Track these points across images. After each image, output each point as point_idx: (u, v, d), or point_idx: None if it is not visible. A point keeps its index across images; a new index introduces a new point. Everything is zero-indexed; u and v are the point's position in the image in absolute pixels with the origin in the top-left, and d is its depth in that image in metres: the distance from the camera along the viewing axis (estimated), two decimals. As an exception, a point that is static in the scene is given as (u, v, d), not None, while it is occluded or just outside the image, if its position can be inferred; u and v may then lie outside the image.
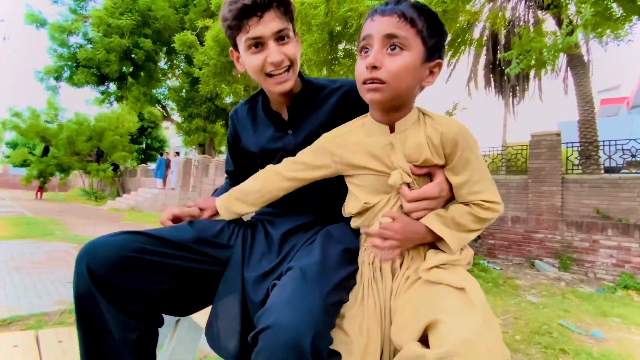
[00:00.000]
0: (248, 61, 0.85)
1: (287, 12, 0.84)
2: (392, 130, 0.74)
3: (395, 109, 0.72)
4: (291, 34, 0.86)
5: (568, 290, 4.14)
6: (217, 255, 0.81)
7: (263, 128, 0.96)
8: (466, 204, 0.71)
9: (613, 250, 4.99)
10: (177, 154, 14.41)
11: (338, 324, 0.64)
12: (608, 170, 6.44)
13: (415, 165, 0.71)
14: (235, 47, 0.89)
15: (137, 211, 12.13)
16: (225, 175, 1.16)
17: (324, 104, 0.92)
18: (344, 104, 0.90)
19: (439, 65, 0.72)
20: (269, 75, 0.85)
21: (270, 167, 0.88)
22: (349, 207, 0.79)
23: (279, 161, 0.90)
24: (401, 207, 0.72)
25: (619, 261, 4.94)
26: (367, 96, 0.70)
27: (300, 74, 0.94)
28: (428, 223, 0.69)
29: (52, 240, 5.60)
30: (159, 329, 0.83)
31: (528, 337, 2.55)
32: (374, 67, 0.67)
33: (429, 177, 0.73)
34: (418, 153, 0.71)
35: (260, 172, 0.89)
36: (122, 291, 0.67)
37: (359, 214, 0.78)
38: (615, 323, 3.04)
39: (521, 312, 3.15)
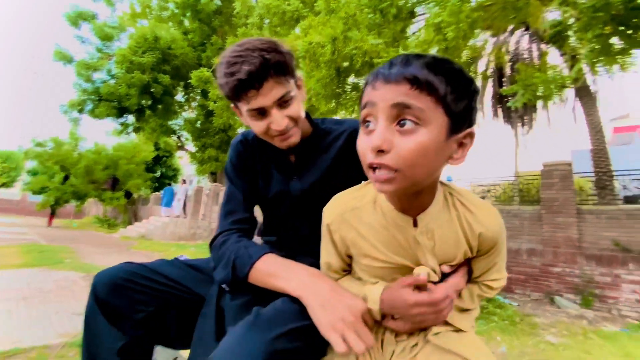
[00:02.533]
0: (252, 124, 0.85)
1: (287, 73, 0.80)
2: (414, 222, 0.60)
3: (415, 195, 0.57)
4: (293, 92, 0.83)
5: (590, 330, 3.89)
6: (197, 291, 0.88)
7: (269, 168, 0.95)
8: (474, 281, 0.66)
9: (636, 285, 4.72)
10: (184, 181, 14.67)
11: None
12: (626, 200, 6.24)
13: (448, 265, 0.62)
14: (236, 106, 0.86)
15: (147, 240, 12.21)
16: (232, 223, 0.91)
17: (330, 148, 0.92)
18: (349, 148, 0.87)
19: (471, 136, 0.54)
20: (275, 135, 0.84)
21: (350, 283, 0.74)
22: (363, 294, 0.66)
23: (283, 207, 0.92)
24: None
25: (644, 298, 4.65)
26: (376, 186, 0.53)
27: (308, 116, 0.94)
28: (452, 321, 0.63)
29: (61, 269, 5.65)
30: None
31: (547, 382, 2.37)
32: (381, 151, 0.50)
33: None
34: (451, 254, 0.61)
35: None
36: (115, 308, 0.80)
37: None
38: (643, 368, 2.81)
39: (539, 354, 2.96)
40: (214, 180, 15.01)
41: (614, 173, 6.34)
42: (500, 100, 9.35)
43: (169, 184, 16.79)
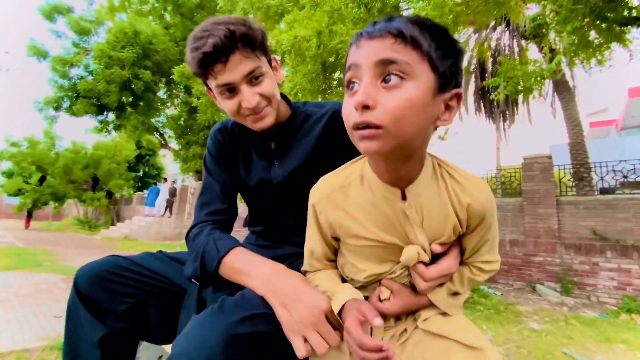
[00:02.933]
0: (223, 105, 0.81)
1: (255, 47, 0.77)
2: (402, 195, 0.57)
3: (402, 160, 0.54)
4: (265, 68, 0.79)
5: (571, 316, 4.03)
6: (179, 283, 0.86)
7: (250, 156, 0.92)
8: (465, 263, 0.64)
9: (614, 272, 4.92)
10: (165, 180, 14.38)
11: None
12: (602, 191, 6.49)
13: (439, 244, 0.60)
14: (209, 88, 0.83)
15: (131, 240, 11.92)
16: (207, 215, 0.87)
17: (311, 132, 0.89)
18: (331, 130, 0.87)
19: (458, 97, 0.52)
20: (247, 115, 0.81)
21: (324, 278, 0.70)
22: (348, 273, 0.66)
23: (266, 195, 0.90)
24: (409, 276, 0.62)
25: (620, 284, 4.86)
26: (360, 146, 0.50)
27: (287, 100, 0.92)
28: (435, 300, 0.61)
29: (40, 272, 5.45)
30: None
31: (532, 367, 2.45)
32: (365, 107, 0.48)
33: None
34: (441, 229, 0.58)
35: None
36: (96, 300, 0.78)
37: (362, 287, 0.65)
38: (620, 349, 2.94)
39: (524, 341, 3.05)
40: (199, 179, 14.77)
41: (591, 165, 6.58)
42: (482, 95, 9.55)
43: (154, 184, 16.42)
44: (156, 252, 0.92)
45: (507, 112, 9.76)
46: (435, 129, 0.54)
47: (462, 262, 0.64)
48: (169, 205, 13.55)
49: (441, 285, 0.62)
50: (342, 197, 0.62)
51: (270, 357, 0.61)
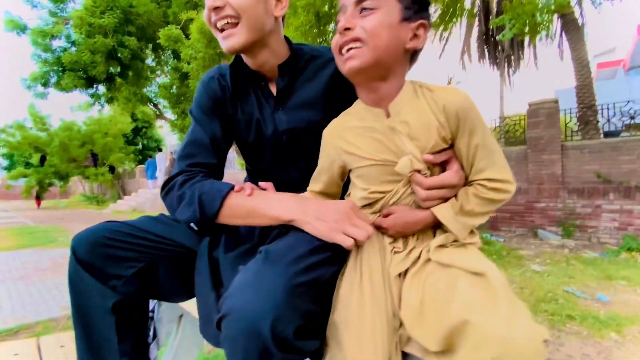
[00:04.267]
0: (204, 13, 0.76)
1: None
2: (387, 114, 0.67)
3: (380, 78, 0.66)
4: None
5: (572, 257, 4.15)
6: (187, 244, 0.83)
7: (248, 103, 0.85)
8: (470, 183, 0.66)
9: (615, 214, 4.99)
10: (160, 150, 14.27)
11: (338, 315, 0.59)
12: (607, 134, 6.38)
13: (431, 153, 0.64)
14: None
15: (140, 212, 12.16)
16: (191, 166, 0.81)
17: (318, 75, 0.83)
18: (339, 78, 0.77)
19: (424, 27, 0.66)
20: (218, 28, 0.75)
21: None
22: (355, 199, 0.71)
23: (270, 146, 0.84)
24: (413, 194, 0.66)
25: (621, 224, 4.94)
26: (345, 67, 0.65)
27: (288, 40, 0.84)
28: (438, 213, 0.64)
29: (55, 247, 5.62)
30: (165, 327, 0.99)
31: (534, 305, 2.55)
32: (347, 29, 0.63)
33: (440, 165, 0.66)
34: (426, 134, 0.64)
35: None
36: (100, 267, 0.75)
37: (368, 205, 0.70)
38: (620, 286, 3.05)
39: (526, 282, 3.16)
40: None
41: (598, 107, 6.39)
42: (486, 40, 9.08)
43: (149, 157, 16.32)
44: (158, 215, 0.89)
45: (512, 57, 9.33)
46: (412, 60, 0.69)
47: (467, 183, 0.67)
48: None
49: (448, 201, 0.65)
50: (342, 128, 0.72)
51: (324, 304, 0.61)
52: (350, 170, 0.74)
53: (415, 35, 0.66)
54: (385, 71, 0.65)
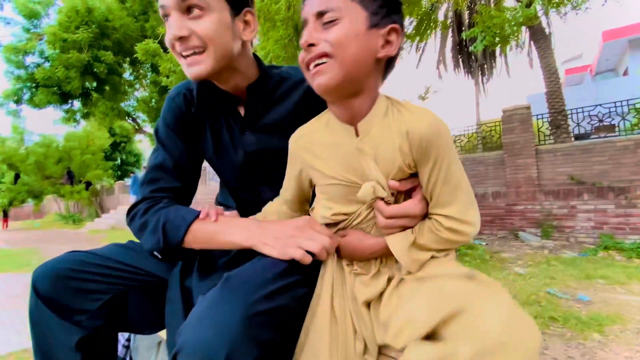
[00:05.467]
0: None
1: None
2: (357, 133, 0.63)
3: (352, 94, 0.61)
4: (213, 5, 0.68)
5: (552, 258, 4.28)
6: (157, 273, 0.81)
7: (216, 122, 0.83)
8: (429, 216, 0.62)
9: (590, 213, 5.19)
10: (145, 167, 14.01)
11: (300, 340, 0.58)
12: (578, 137, 6.68)
13: (396, 180, 0.61)
14: None
15: (119, 229, 11.75)
16: (154, 192, 0.79)
17: (287, 98, 0.81)
18: (310, 99, 0.76)
19: (396, 32, 0.60)
20: (181, 55, 0.71)
21: (269, 208, 0.79)
22: (318, 217, 0.70)
23: (240, 166, 0.82)
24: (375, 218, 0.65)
25: (597, 223, 5.14)
26: (314, 84, 0.61)
27: (258, 60, 0.82)
28: (390, 243, 0.61)
29: (28, 272, 5.31)
30: (141, 355, 0.94)
31: (518, 308, 2.59)
32: (311, 45, 0.59)
33: (405, 192, 0.64)
34: (391, 159, 0.60)
35: (265, 214, 0.79)
36: (63, 302, 0.71)
37: (329, 225, 0.69)
38: (600, 284, 3.15)
39: (510, 285, 3.23)
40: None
41: (568, 112, 6.70)
42: (460, 50, 9.42)
43: (132, 173, 15.94)
44: (126, 243, 0.85)
45: (486, 66, 9.70)
46: (386, 71, 0.64)
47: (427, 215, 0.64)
48: None
49: (405, 231, 0.63)
50: (309, 140, 0.68)
51: (288, 331, 0.59)
52: (310, 185, 0.73)
53: (387, 42, 0.60)
54: (356, 85, 0.60)
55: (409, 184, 0.62)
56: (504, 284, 3.24)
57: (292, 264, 0.61)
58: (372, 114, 0.62)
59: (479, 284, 0.52)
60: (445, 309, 0.48)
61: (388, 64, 0.64)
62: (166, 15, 0.70)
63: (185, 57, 0.71)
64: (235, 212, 0.78)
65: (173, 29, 0.68)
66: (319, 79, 0.59)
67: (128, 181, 15.43)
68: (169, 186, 0.80)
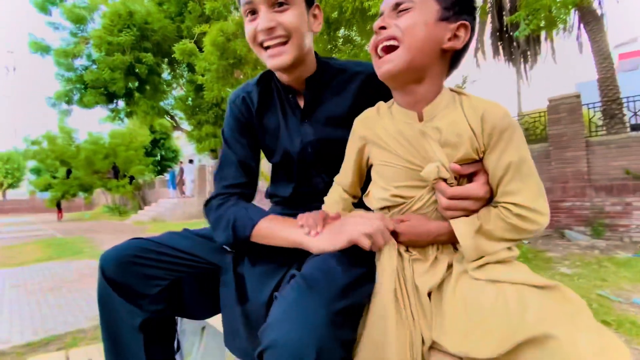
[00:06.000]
0: (245, 29, 0.79)
1: None
2: (420, 117, 0.65)
3: (415, 81, 0.64)
4: (297, 0, 0.76)
5: (603, 258, 3.95)
6: (211, 260, 0.85)
7: (275, 116, 0.88)
8: (495, 205, 0.61)
9: (649, 211, 4.73)
10: (191, 161, 14.69)
11: (358, 334, 0.58)
12: (635, 128, 6.09)
13: (459, 164, 0.61)
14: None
15: (160, 221, 12.44)
16: (225, 187, 0.87)
17: (345, 90, 0.85)
18: (366, 91, 0.82)
19: (465, 28, 0.63)
20: (263, 46, 0.77)
21: (329, 199, 0.80)
22: (375, 200, 0.70)
23: (295, 157, 0.85)
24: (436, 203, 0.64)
25: (655, 222, 4.68)
26: (380, 70, 0.64)
27: (316, 54, 0.87)
28: (455, 226, 0.60)
29: (82, 259, 5.80)
30: (188, 339, 1.02)
31: (566, 311, 2.43)
32: (382, 28, 0.63)
33: (468, 177, 0.63)
34: (458, 143, 0.61)
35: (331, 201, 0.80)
36: (128, 286, 0.77)
37: (386, 208, 0.68)
38: (658, 288, 2.87)
39: (555, 286, 3.02)
40: (215, 157, 14.90)
41: (623, 100, 6.12)
42: (501, 36, 8.88)
43: (170, 168, 16.84)
44: (181, 231, 0.90)
45: (529, 52, 9.08)
46: (452, 66, 0.67)
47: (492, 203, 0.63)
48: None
49: (470, 216, 0.61)
50: (373, 120, 0.71)
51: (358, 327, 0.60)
52: (371, 166, 0.73)
53: (455, 36, 0.63)
54: (420, 73, 0.63)
55: (472, 168, 0.62)
56: (549, 285, 3.04)
57: (353, 255, 0.63)
58: (437, 100, 0.65)
59: (563, 300, 0.49)
60: (530, 329, 0.45)
61: (455, 58, 0.67)
62: (252, 11, 0.77)
63: (267, 48, 0.77)
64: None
65: (263, 21, 0.74)
66: (386, 66, 0.63)
67: (167, 176, 16.25)
68: (237, 182, 0.87)
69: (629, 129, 6.12)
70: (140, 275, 0.77)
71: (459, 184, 0.63)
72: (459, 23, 0.63)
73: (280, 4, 0.74)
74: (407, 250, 0.65)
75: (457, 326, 0.53)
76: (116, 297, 0.76)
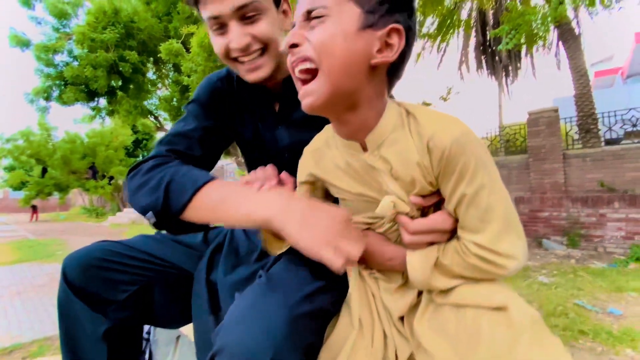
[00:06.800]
0: (213, 43, 0.72)
1: None
2: (364, 147, 0.55)
3: (347, 109, 0.52)
4: (265, 5, 0.69)
5: (579, 268, 4.07)
6: (184, 267, 0.80)
7: (250, 114, 0.83)
8: (458, 238, 0.53)
9: (621, 222, 4.92)
10: None
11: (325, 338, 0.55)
12: (609, 142, 6.36)
13: (420, 195, 0.54)
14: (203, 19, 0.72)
15: (139, 224, 12.08)
16: (170, 152, 0.73)
17: None
18: None
19: (398, 33, 0.50)
20: (238, 61, 0.71)
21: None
22: None
23: (270, 158, 0.80)
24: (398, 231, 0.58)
25: (628, 233, 4.87)
26: (303, 103, 0.52)
27: None
28: (409, 258, 0.54)
29: (53, 262, 5.54)
30: (161, 349, 0.95)
31: (544, 320, 2.46)
32: (293, 46, 0.51)
33: (434, 205, 0.56)
34: (411, 176, 0.52)
35: None
36: (92, 292, 0.71)
37: None
38: (632, 298, 2.97)
39: (534, 295, 3.08)
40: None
41: (598, 116, 6.39)
42: (484, 50, 9.17)
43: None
44: (155, 234, 0.85)
45: (510, 67, 9.40)
46: (391, 82, 0.55)
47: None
48: None
49: (429, 247, 0.55)
50: (320, 155, 0.63)
51: (323, 334, 0.56)
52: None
53: (386, 45, 0.50)
54: (350, 99, 0.51)
55: (434, 198, 0.54)
56: (528, 294, 3.10)
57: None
58: (380, 126, 0.54)
59: (510, 324, 0.45)
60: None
61: (392, 70, 0.53)
62: (221, 25, 0.69)
63: (242, 62, 0.71)
64: (291, 180, 0.67)
65: (236, 39, 0.68)
66: (307, 100, 0.51)
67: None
68: (188, 152, 0.73)
69: (603, 144, 6.39)
70: (106, 280, 0.72)
71: (425, 213, 0.56)
72: (388, 28, 0.50)
73: (249, 15, 0.68)
74: (366, 268, 0.61)
75: (434, 354, 0.50)
76: (78, 303, 0.70)
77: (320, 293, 0.55)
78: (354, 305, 0.57)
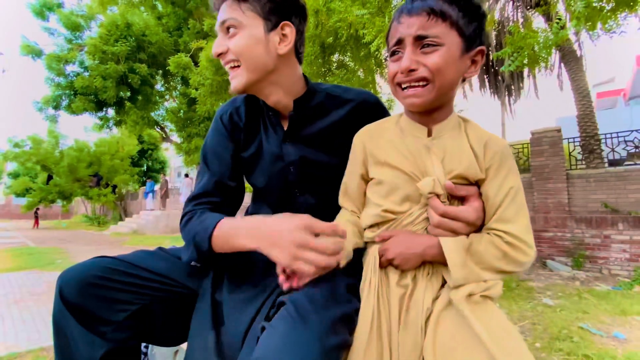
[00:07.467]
0: None
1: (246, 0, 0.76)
2: (429, 133, 0.68)
3: (436, 108, 0.67)
4: (245, 24, 0.75)
5: (584, 290, 4.00)
6: (187, 284, 0.79)
7: (260, 134, 0.87)
8: (488, 232, 0.62)
9: (626, 244, 4.86)
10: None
11: None
12: (611, 163, 6.35)
13: (454, 183, 0.62)
14: None
15: (140, 234, 12.05)
16: (196, 205, 0.82)
17: (332, 115, 0.83)
18: (354, 119, 0.81)
19: (482, 53, 0.65)
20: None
21: (342, 218, 0.75)
22: (366, 216, 0.70)
23: (277, 178, 0.83)
24: (426, 220, 0.65)
25: (632, 255, 4.80)
26: (406, 103, 0.66)
27: (306, 78, 0.87)
28: (444, 243, 0.60)
29: (52, 270, 5.51)
30: None
31: (548, 343, 2.42)
32: (412, 71, 0.62)
33: (460, 201, 0.65)
34: (457, 161, 0.63)
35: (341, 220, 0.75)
36: (89, 311, 0.68)
37: (377, 225, 0.68)
38: (636, 322, 2.91)
39: (539, 317, 3.03)
40: (203, 170, 14.68)
41: (601, 137, 6.41)
42: (487, 70, 9.29)
43: (148, 178, 16.63)
44: (155, 250, 0.84)
45: (513, 87, 9.50)
46: (463, 81, 0.67)
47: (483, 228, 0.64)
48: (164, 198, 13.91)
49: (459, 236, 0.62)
50: (378, 133, 0.73)
51: None
52: (369, 182, 0.72)
53: (473, 62, 0.65)
54: (442, 102, 0.66)
55: (464, 190, 0.63)
56: (533, 316, 3.05)
57: (340, 285, 0.62)
58: (447, 121, 0.67)
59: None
60: None
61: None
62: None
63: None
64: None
65: (215, 46, 0.78)
66: (413, 100, 0.64)
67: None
68: (209, 200, 0.82)
69: (607, 164, 6.38)
70: (104, 298, 0.68)
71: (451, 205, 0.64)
72: (477, 50, 0.64)
73: (229, 29, 0.76)
74: (398, 281, 0.63)
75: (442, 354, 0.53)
76: (74, 324, 0.67)
77: (344, 323, 0.57)
78: (366, 314, 0.59)
